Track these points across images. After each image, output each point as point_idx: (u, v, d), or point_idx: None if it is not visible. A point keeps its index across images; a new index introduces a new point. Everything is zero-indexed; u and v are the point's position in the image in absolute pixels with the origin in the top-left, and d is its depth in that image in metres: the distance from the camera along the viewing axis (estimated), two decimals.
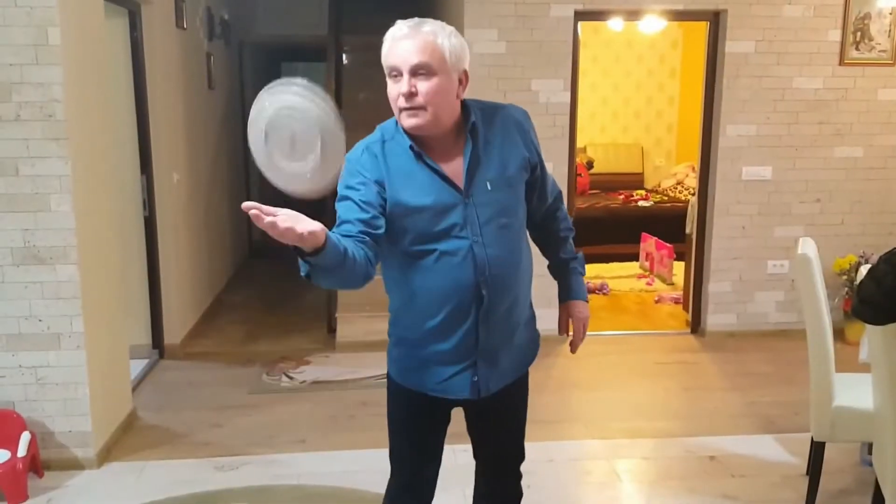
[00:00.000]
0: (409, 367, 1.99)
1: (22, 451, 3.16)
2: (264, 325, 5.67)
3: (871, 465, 2.93)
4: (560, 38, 4.92)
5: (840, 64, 5.08)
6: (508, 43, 4.87)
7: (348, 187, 1.81)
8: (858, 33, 5.06)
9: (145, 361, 4.69)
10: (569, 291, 2.17)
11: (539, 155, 1.98)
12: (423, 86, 1.74)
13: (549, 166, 5.41)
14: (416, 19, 1.78)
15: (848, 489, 3.25)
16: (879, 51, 5.09)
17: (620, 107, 8.95)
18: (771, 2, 4.97)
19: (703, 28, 5.18)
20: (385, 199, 1.81)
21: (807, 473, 3.23)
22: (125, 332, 3.96)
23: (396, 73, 1.77)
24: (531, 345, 2.10)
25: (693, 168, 7.49)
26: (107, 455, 3.54)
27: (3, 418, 3.26)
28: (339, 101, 6.47)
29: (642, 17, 5.25)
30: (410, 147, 1.82)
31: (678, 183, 8.33)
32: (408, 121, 1.79)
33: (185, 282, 5.22)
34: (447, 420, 2.08)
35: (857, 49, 5.07)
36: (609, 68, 8.81)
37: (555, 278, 2.18)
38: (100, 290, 3.54)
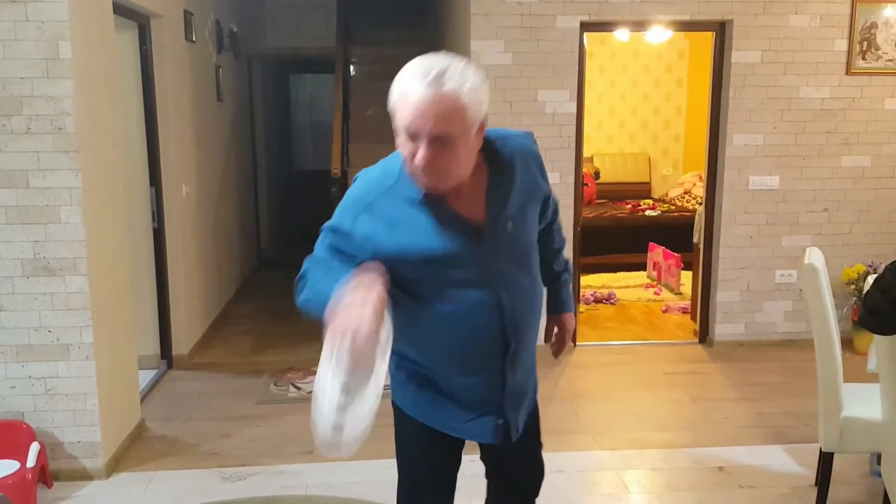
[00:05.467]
0: (424, 401, 1.90)
1: (31, 462, 3.17)
2: (272, 335, 5.69)
3: (880, 475, 2.92)
4: (566, 49, 4.93)
5: (847, 73, 5.08)
6: (515, 54, 4.89)
7: (340, 251, 1.72)
8: (865, 43, 5.06)
9: (154, 372, 4.71)
10: (559, 304, 2.16)
11: (546, 178, 1.90)
12: (443, 153, 1.56)
13: (555, 176, 5.43)
14: (436, 69, 1.53)
15: (857, 500, 3.23)
16: (886, 60, 5.09)
17: (627, 116, 8.96)
18: (777, 12, 4.98)
19: (709, 37, 5.19)
20: (379, 258, 1.69)
21: (815, 484, 3.22)
22: (134, 342, 3.98)
23: (412, 136, 1.57)
24: (534, 385, 2.06)
25: (700, 177, 7.48)
26: (115, 465, 3.55)
27: (13, 429, 3.28)
28: (346, 112, 6.51)
29: (648, 28, 5.27)
30: (421, 201, 1.67)
31: (685, 192, 8.32)
32: (423, 183, 1.63)
33: (194, 293, 5.25)
34: (460, 453, 2.00)
35: (863, 58, 5.07)
36: (616, 78, 8.83)
37: (545, 286, 2.11)
38: (109, 301, 3.56)
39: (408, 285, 1.74)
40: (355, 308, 1.51)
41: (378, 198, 1.70)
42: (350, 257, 1.70)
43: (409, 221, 1.68)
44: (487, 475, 2.17)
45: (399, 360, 1.91)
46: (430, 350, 1.83)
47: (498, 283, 1.74)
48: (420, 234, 1.68)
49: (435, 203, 1.68)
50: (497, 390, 1.83)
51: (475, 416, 1.86)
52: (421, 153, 1.56)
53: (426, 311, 1.76)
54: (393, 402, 1.99)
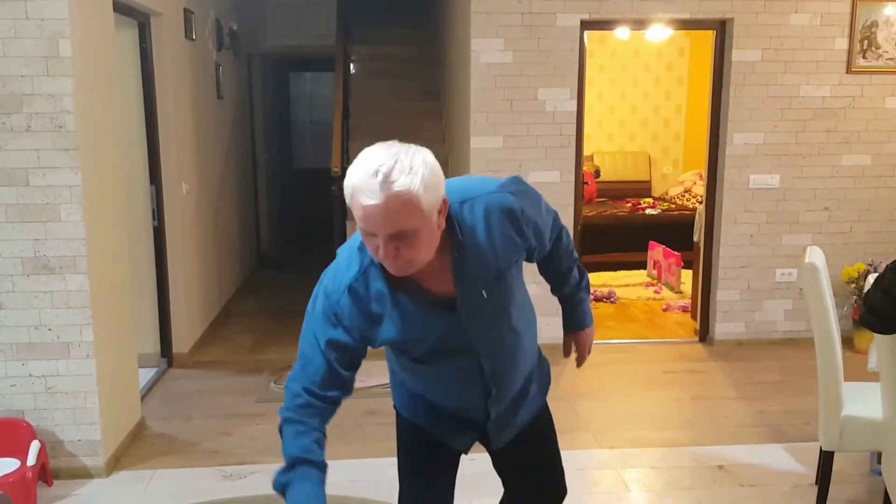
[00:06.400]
0: (414, 408, 1.99)
1: (31, 460, 3.17)
2: (272, 333, 5.69)
3: (880, 474, 2.91)
4: (566, 47, 4.93)
5: (847, 72, 5.07)
6: (515, 52, 4.89)
7: (331, 340, 1.67)
8: (865, 41, 5.06)
9: (154, 370, 4.71)
10: (574, 323, 2.14)
11: (535, 225, 1.76)
12: (405, 247, 1.50)
13: (555, 175, 5.42)
14: (382, 170, 1.44)
15: (857, 499, 3.23)
16: (887, 59, 5.08)
17: (628, 115, 8.96)
18: (778, 10, 4.98)
19: (710, 36, 5.19)
20: (366, 344, 1.71)
21: (816, 483, 3.22)
22: (134, 341, 3.97)
23: (369, 235, 1.51)
24: (542, 386, 2.07)
25: (700, 176, 7.48)
26: (115, 464, 3.55)
27: (13, 427, 3.28)
28: (346, 111, 6.50)
29: (649, 27, 5.26)
30: (390, 286, 1.64)
31: (686, 191, 8.32)
32: (392, 271, 1.58)
33: (194, 291, 5.25)
34: (459, 455, 2.06)
35: (864, 57, 5.07)
36: (616, 77, 8.82)
37: (560, 303, 2.13)
38: (109, 299, 3.56)
39: (392, 351, 1.85)
40: None
41: (352, 284, 1.66)
42: (340, 347, 1.68)
43: (384, 308, 1.66)
44: (505, 486, 2.17)
45: (392, 375, 2.03)
46: (421, 389, 1.94)
47: (476, 351, 1.77)
48: (396, 320, 1.67)
49: (405, 286, 1.65)
50: (482, 421, 1.93)
51: (460, 429, 1.96)
52: (382, 250, 1.50)
53: (413, 366, 1.84)
54: (394, 405, 2.05)
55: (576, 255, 2.08)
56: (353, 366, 1.72)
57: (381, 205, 1.44)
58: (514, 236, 1.70)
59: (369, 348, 1.73)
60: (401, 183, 1.43)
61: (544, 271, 2.08)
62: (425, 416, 1.97)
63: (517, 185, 1.75)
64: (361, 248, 1.65)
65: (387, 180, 1.43)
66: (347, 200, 1.51)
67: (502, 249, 1.68)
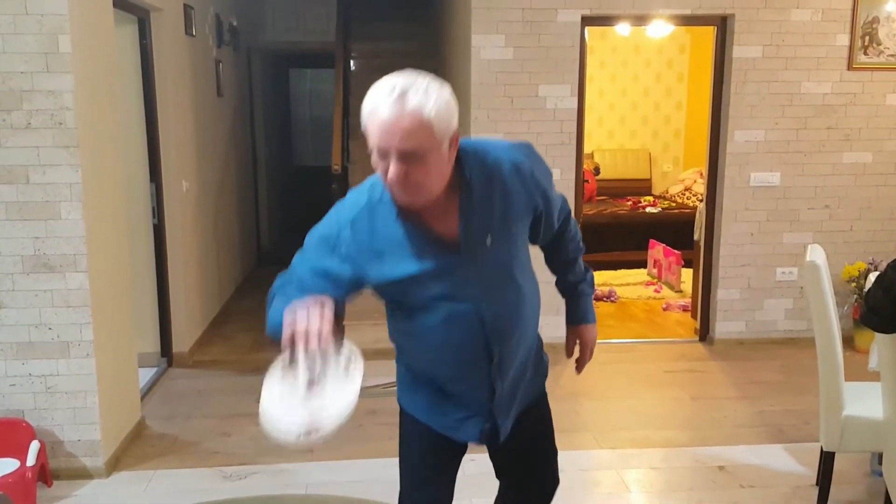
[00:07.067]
0: (423, 400, 1.94)
1: (31, 461, 3.16)
2: None
3: (881, 475, 2.91)
4: (567, 43, 4.92)
5: (848, 69, 5.06)
6: (516, 49, 4.87)
7: (322, 269, 1.71)
8: (867, 38, 5.04)
9: (154, 370, 4.70)
10: (577, 316, 2.12)
11: (544, 191, 1.83)
12: (414, 169, 1.57)
13: (556, 173, 5.41)
14: (399, 87, 1.55)
15: (858, 499, 3.22)
16: (888, 55, 5.07)
17: (628, 112, 8.94)
18: (779, 6, 4.96)
19: (711, 32, 5.17)
20: (362, 282, 1.73)
21: (816, 484, 3.21)
22: (134, 340, 3.97)
23: (382, 154, 1.59)
24: (540, 373, 2.06)
25: (701, 174, 7.47)
26: (115, 464, 3.55)
27: (13, 427, 3.27)
28: (346, 107, 6.49)
29: (649, 23, 5.25)
30: (398, 215, 1.69)
31: (686, 189, 8.30)
32: (400, 198, 1.64)
33: (194, 290, 5.24)
34: (461, 452, 2.03)
35: (865, 54, 5.06)
36: (616, 73, 8.80)
37: (562, 296, 2.13)
38: (109, 298, 3.55)
39: (394, 300, 1.81)
40: (311, 312, 1.55)
41: (358, 215, 1.71)
42: (330, 277, 1.70)
43: (387, 244, 1.70)
44: (498, 475, 2.16)
45: (399, 356, 1.97)
46: (423, 358, 1.89)
47: (477, 297, 1.75)
48: (398, 257, 1.70)
49: (411, 222, 1.69)
50: (486, 398, 1.87)
51: (465, 417, 1.91)
52: (392, 169, 1.57)
53: (413, 322, 1.81)
54: (399, 402, 2.03)
55: (583, 246, 2.10)
56: (341, 292, 1.71)
57: (394, 119, 1.53)
58: (522, 191, 1.76)
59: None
60: (415, 101, 1.54)
61: (550, 258, 2.10)
62: (429, 404, 1.93)
63: (529, 150, 1.83)
64: (372, 186, 1.72)
65: (402, 97, 1.53)
66: (363, 125, 1.59)
67: (509, 201, 1.75)
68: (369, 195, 1.72)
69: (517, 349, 1.87)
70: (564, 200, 2.00)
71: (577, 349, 2.16)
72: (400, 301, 1.80)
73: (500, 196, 1.73)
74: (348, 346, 1.62)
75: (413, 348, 1.89)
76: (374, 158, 1.61)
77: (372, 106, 1.56)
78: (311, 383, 1.55)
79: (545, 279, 2.09)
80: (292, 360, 1.56)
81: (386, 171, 1.58)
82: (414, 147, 1.55)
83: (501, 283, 1.79)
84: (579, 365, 2.18)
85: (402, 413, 2.02)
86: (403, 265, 1.70)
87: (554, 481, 2.14)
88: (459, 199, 1.70)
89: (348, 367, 1.59)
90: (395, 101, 1.53)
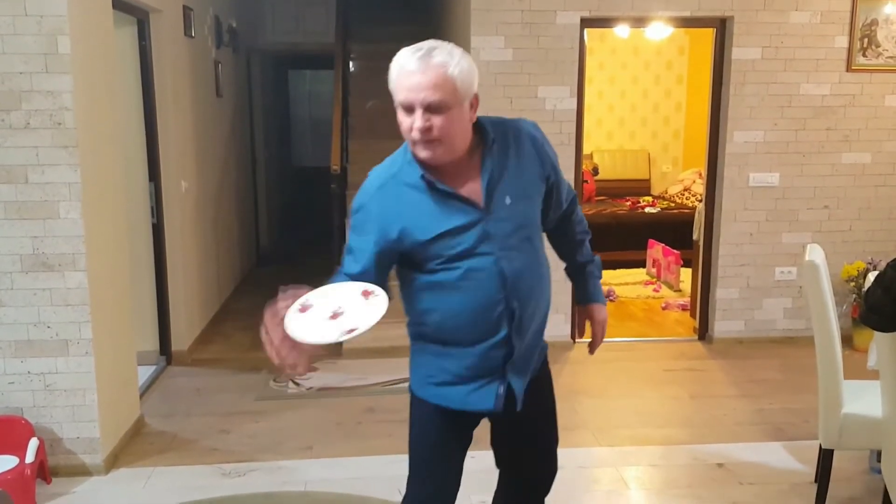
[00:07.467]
0: (432, 377, 1.96)
1: (30, 458, 3.17)
2: None
3: (879, 472, 2.91)
4: (566, 45, 4.93)
5: (847, 70, 5.07)
6: (515, 50, 4.88)
7: (355, 246, 1.86)
8: (866, 39, 5.05)
9: (153, 368, 4.71)
10: (587, 294, 2.18)
11: (553, 164, 1.97)
12: (437, 121, 1.72)
13: None
14: (425, 47, 1.73)
15: (857, 497, 3.23)
16: (887, 57, 5.08)
17: (627, 113, 8.95)
18: (778, 8, 4.97)
19: (710, 34, 5.18)
20: (392, 247, 1.84)
21: (815, 481, 3.21)
22: (133, 338, 3.97)
23: (408, 108, 1.74)
24: (543, 354, 2.11)
25: (700, 174, 7.47)
26: (114, 461, 3.55)
27: (12, 424, 3.28)
28: (346, 108, 6.49)
29: (648, 24, 5.26)
30: (422, 177, 1.81)
31: (685, 189, 8.31)
32: (423, 153, 1.77)
33: (193, 289, 5.24)
34: (469, 437, 2.05)
35: (864, 55, 5.07)
36: (616, 75, 8.81)
37: (571, 280, 2.20)
38: (108, 296, 3.55)
39: (415, 261, 1.86)
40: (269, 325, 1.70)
41: (386, 181, 1.84)
42: (367, 245, 1.83)
43: (412, 206, 1.81)
44: (498, 464, 2.17)
45: (418, 337, 1.99)
46: (442, 319, 1.89)
47: (498, 253, 1.83)
48: (422, 216, 1.81)
49: (434, 184, 1.80)
50: (504, 357, 1.90)
51: (480, 384, 1.92)
52: (417, 122, 1.71)
53: (434, 282, 1.85)
54: (411, 390, 2.04)
55: (588, 231, 2.18)
56: (385, 269, 1.87)
57: (419, 72, 1.70)
58: (536, 157, 1.91)
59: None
60: (440, 58, 1.71)
61: (558, 241, 2.16)
62: (445, 380, 1.93)
63: (539, 128, 1.98)
64: (398, 154, 1.87)
65: (428, 54, 1.72)
66: (391, 84, 1.76)
67: (526, 166, 1.88)
68: (394, 162, 1.87)
69: (535, 312, 1.92)
70: (570, 186, 2.10)
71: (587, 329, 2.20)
72: (423, 262, 1.85)
73: (518, 160, 1.87)
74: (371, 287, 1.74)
75: (432, 312, 1.89)
76: (400, 115, 1.75)
77: (400, 64, 1.73)
78: (335, 315, 1.67)
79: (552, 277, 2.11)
80: (305, 307, 1.68)
81: (410, 127, 1.73)
82: (438, 100, 1.70)
83: (520, 245, 1.87)
84: (592, 346, 2.21)
85: (415, 402, 2.03)
86: (430, 224, 1.80)
87: (554, 468, 2.17)
88: (482, 159, 1.83)
89: (369, 299, 1.70)
90: (421, 57, 1.71)
